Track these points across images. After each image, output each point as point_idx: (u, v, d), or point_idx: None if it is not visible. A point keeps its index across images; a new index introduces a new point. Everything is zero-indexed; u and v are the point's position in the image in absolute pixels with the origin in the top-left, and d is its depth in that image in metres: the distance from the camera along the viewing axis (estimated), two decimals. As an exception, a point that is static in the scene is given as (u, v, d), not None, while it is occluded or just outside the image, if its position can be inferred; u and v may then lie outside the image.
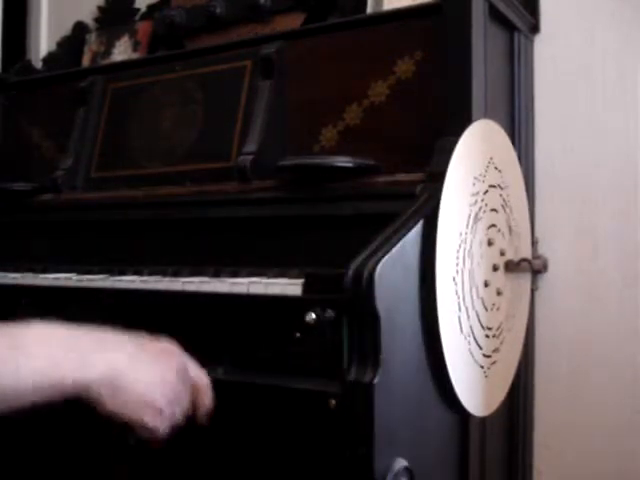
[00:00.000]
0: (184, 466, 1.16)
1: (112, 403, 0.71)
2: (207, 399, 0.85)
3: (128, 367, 0.73)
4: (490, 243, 1.19)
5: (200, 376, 0.85)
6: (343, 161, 1.24)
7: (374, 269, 0.95)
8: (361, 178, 1.24)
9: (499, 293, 1.21)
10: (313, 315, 0.98)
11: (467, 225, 1.12)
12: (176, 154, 1.52)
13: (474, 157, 1.15)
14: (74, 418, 1.28)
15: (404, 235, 1.02)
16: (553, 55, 1.50)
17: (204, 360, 1.12)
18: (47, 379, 0.65)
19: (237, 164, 1.38)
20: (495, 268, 1.20)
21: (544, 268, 1.46)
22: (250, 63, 1.47)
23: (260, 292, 1.06)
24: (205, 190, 1.41)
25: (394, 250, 0.99)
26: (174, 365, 0.80)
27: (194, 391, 0.83)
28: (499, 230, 1.22)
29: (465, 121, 1.16)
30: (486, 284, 1.17)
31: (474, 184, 1.15)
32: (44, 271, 1.40)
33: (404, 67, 1.31)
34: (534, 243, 1.45)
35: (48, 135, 1.81)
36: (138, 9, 2.01)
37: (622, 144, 1.44)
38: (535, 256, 1.44)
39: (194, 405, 0.84)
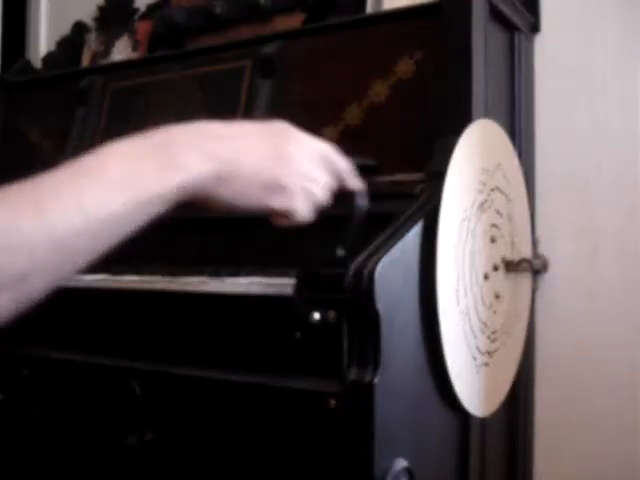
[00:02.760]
0: (184, 466, 1.16)
1: (227, 196, 0.63)
2: (342, 166, 0.76)
3: (233, 151, 0.64)
4: (490, 243, 1.18)
5: (323, 147, 0.75)
6: (343, 161, 1.23)
7: (374, 269, 0.95)
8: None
9: (499, 293, 1.21)
10: (317, 315, 0.98)
11: (467, 225, 1.12)
12: (176, 154, 1.51)
13: (474, 157, 1.15)
14: (74, 418, 1.28)
15: (404, 235, 1.02)
16: (553, 55, 1.50)
17: (203, 360, 1.12)
18: (130, 200, 0.57)
19: (237, 164, 1.37)
20: (495, 268, 1.20)
21: (544, 268, 1.46)
22: (250, 63, 1.47)
23: (260, 292, 1.06)
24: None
25: (394, 250, 0.99)
26: (288, 137, 0.72)
27: (326, 163, 0.73)
28: (499, 230, 1.22)
29: (465, 121, 1.16)
30: (486, 284, 1.17)
31: (474, 184, 1.15)
32: (44, 271, 1.39)
33: (404, 67, 1.31)
34: (534, 243, 1.45)
35: (48, 135, 1.81)
36: (138, 9, 2.01)
37: (622, 144, 1.44)
38: (535, 256, 1.44)
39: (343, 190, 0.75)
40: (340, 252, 0.95)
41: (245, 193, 0.64)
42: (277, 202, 0.67)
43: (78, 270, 0.57)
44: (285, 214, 0.69)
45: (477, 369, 1.13)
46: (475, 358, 1.13)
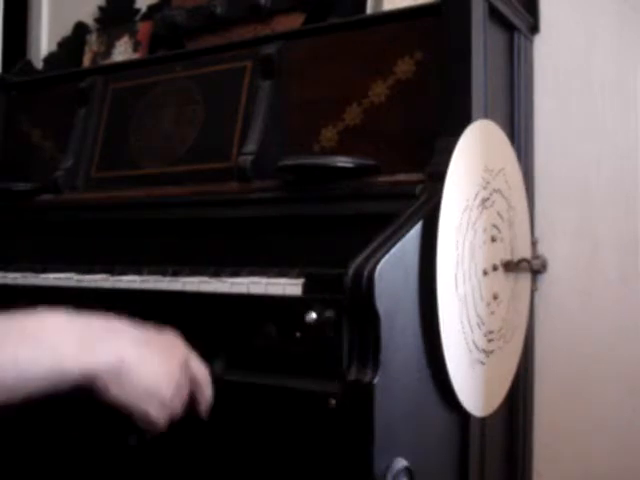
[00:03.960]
0: (184, 466, 1.16)
1: (118, 393, 0.71)
2: (207, 392, 0.86)
3: (135, 357, 0.72)
4: (490, 242, 1.19)
5: (201, 370, 0.85)
6: (343, 161, 1.24)
7: (374, 269, 0.95)
8: (361, 178, 1.24)
9: (498, 294, 1.21)
10: (313, 315, 0.98)
11: (467, 225, 1.12)
12: (176, 154, 1.52)
13: (474, 157, 1.15)
14: (74, 417, 1.28)
15: (404, 235, 1.02)
16: (553, 55, 1.50)
17: (204, 359, 1.12)
18: (51, 367, 0.65)
19: (237, 164, 1.38)
20: (495, 268, 1.20)
21: (544, 268, 1.46)
22: (250, 63, 1.47)
23: (260, 292, 1.06)
24: (205, 190, 1.41)
25: (394, 250, 0.99)
26: (178, 357, 0.80)
27: (195, 385, 0.84)
28: (499, 229, 1.22)
29: (465, 121, 1.16)
30: (485, 280, 1.17)
31: (474, 184, 1.15)
32: (44, 271, 1.40)
33: (404, 67, 1.31)
34: (534, 243, 1.45)
35: (48, 135, 1.81)
36: (138, 9, 2.01)
37: (622, 144, 1.44)
38: (535, 256, 1.44)
39: (194, 399, 0.84)
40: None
41: (134, 397, 0.72)
42: (153, 411, 0.75)
43: (8, 401, 0.64)
44: (152, 421, 0.77)
45: (477, 369, 1.13)
46: (475, 358, 1.13)
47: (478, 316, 1.14)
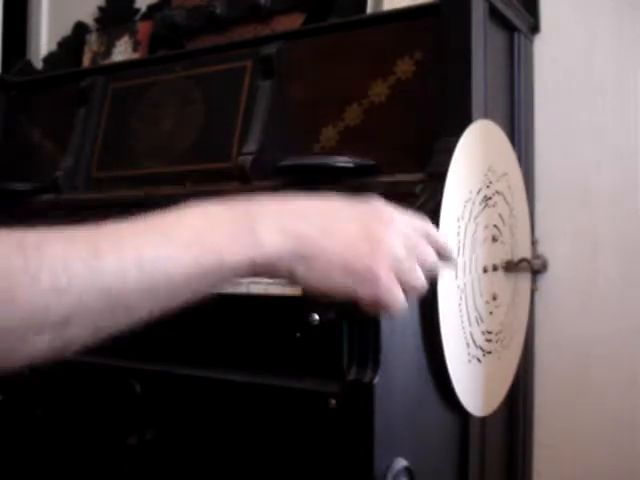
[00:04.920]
0: (184, 466, 1.16)
1: (308, 277, 0.57)
2: (440, 242, 0.67)
3: (319, 231, 0.58)
4: (491, 242, 1.19)
5: (436, 233, 0.67)
6: (343, 161, 1.24)
7: (374, 269, 0.95)
8: (361, 178, 1.24)
9: (498, 295, 1.21)
10: (316, 316, 0.98)
11: (469, 217, 1.12)
12: (176, 154, 1.52)
13: (474, 157, 1.15)
14: (74, 418, 1.28)
15: (404, 235, 1.02)
16: (553, 55, 1.51)
17: (204, 360, 1.12)
18: (198, 264, 0.53)
19: (237, 164, 1.38)
20: (495, 268, 1.20)
21: (544, 268, 1.46)
22: (250, 63, 1.47)
23: (260, 292, 1.06)
24: (205, 190, 1.41)
25: (394, 250, 0.99)
26: (382, 219, 0.62)
27: (426, 241, 0.65)
28: (499, 229, 1.22)
29: (465, 121, 1.16)
30: (486, 282, 1.17)
31: (474, 184, 1.15)
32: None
33: (404, 67, 1.31)
34: (534, 243, 1.45)
35: (48, 135, 1.81)
36: (138, 9, 2.01)
37: (622, 144, 1.44)
38: (535, 256, 1.44)
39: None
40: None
41: (327, 276, 0.58)
42: (365, 290, 0.59)
43: (131, 325, 0.53)
44: (376, 304, 0.60)
45: (477, 369, 1.13)
46: (475, 358, 1.13)
47: (477, 311, 1.14)
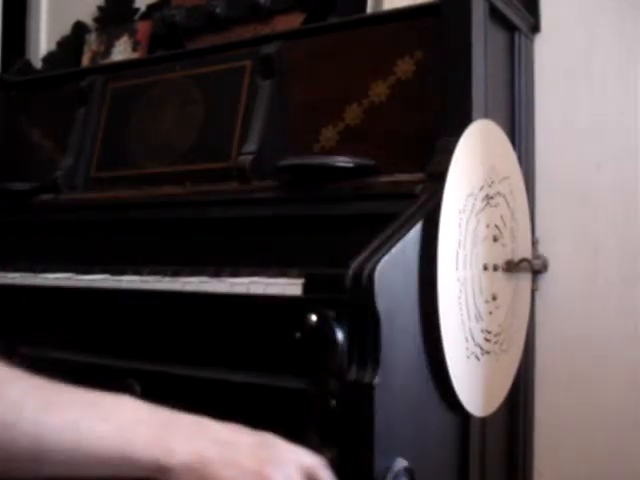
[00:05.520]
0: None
1: None
2: None
3: (217, 458, 0.63)
4: (491, 242, 1.19)
5: (314, 462, 0.71)
6: (343, 161, 1.24)
7: (374, 269, 0.95)
8: (361, 178, 1.24)
9: (498, 295, 1.21)
10: (314, 317, 0.98)
11: (471, 211, 1.12)
12: (176, 154, 1.52)
13: (474, 157, 1.15)
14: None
15: (404, 235, 1.02)
16: (553, 55, 1.50)
17: (204, 360, 1.12)
18: (118, 449, 0.59)
19: (237, 164, 1.38)
20: (495, 268, 1.20)
21: (544, 268, 1.46)
22: (250, 63, 1.47)
23: (260, 292, 1.06)
24: (205, 190, 1.41)
25: (394, 250, 0.99)
26: (278, 456, 0.68)
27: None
28: (499, 229, 1.22)
29: (465, 121, 1.16)
30: (487, 285, 1.17)
31: (474, 184, 1.15)
32: (44, 271, 1.40)
33: (404, 67, 1.31)
34: (534, 243, 1.45)
35: (48, 135, 1.81)
36: (138, 9, 2.01)
37: (623, 144, 1.44)
38: (535, 256, 1.44)
39: None
40: None
41: None
42: None
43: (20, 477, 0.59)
44: None
45: (477, 369, 1.13)
46: (475, 358, 1.13)
47: (477, 308, 1.14)
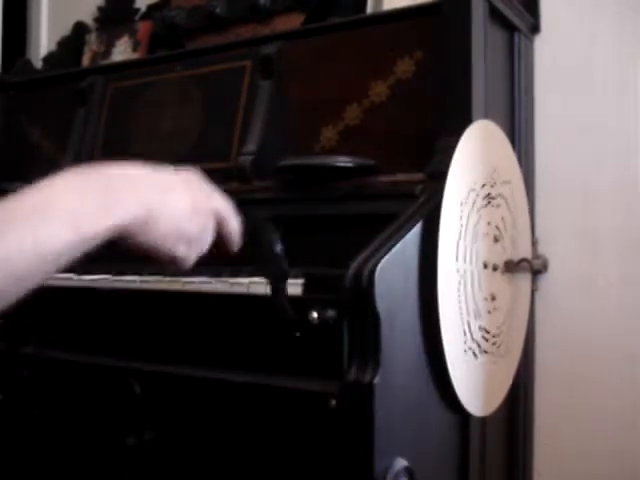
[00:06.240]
0: (183, 466, 1.16)
1: (145, 240, 0.68)
2: (233, 224, 0.81)
3: (160, 203, 0.69)
4: (492, 241, 1.19)
5: (224, 203, 0.80)
6: (343, 161, 1.24)
7: (374, 269, 0.95)
8: (361, 178, 1.24)
9: (498, 294, 1.21)
10: (315, 314, 0.98)
11: (472, 205, 1.12)
12: (176, 154, 1.52)
13: (474, 157, 1.15)
14: (74, 418, 1.28)
15: (404, 235, 1.02)
16: (553, 55, 1.50)
17: (204, 360, 1.12)
18: (71, 239, 0.62)
19: (237, 164, 1.38)
20: (495, 268, 1.20)
21: (544, 268, 1.46)
22: (250, 63, 1.47)
23: (260, 292, 1.06)
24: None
25: (394, 250, 0.99)
26: (200, 193, 0.76)
27: (219, 218, 0.78)
28: (499, 229, 1.22)
29: (465, 121, 1.16)
30: (486, 284, 1.17)
31: (474, 184, 1.15)
32: (44, 271, 1.39)
33: (404, 67, 1.31)
34: (534, 243, 1.45)
35: (48, 135, 1.81)
36: (138, 9, 2.01)
37: (622, 144, 1.44)
38: (535, 256, 1.44)
39: (220, 235, 0.79)
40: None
41: (162, 241, 0.69)
42: (181, 251, 0.72)
43: (20, 294, 0.61)
44: (179, 261, 0.74)
45: (477, 369, 1.13)
46: (475, 358, 1.13)
47: (475, 304, 1.13)
